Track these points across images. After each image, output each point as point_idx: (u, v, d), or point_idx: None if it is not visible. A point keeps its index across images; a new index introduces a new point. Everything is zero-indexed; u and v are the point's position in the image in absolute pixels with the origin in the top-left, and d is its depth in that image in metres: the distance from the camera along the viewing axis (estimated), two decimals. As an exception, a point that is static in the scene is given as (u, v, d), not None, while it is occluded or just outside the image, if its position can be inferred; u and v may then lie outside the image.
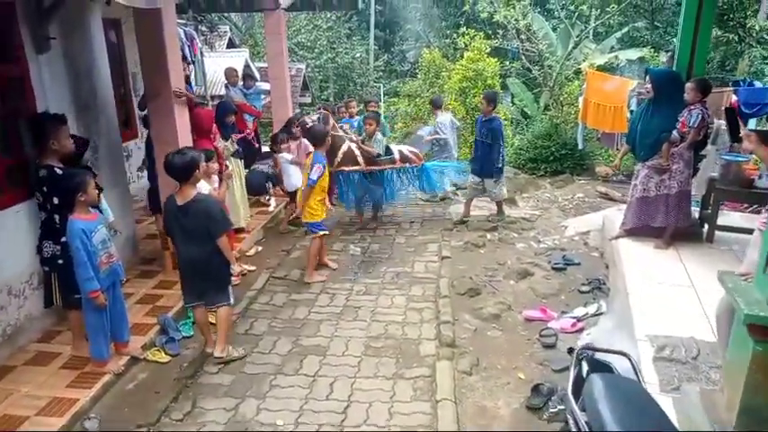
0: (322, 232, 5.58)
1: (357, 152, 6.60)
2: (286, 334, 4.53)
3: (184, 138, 5.31)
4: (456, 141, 9.08)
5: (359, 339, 4.41)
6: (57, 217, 3.88)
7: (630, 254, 5.15)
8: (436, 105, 9.32)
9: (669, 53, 6.11)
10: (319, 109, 8.05)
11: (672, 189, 5.09)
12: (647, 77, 5.03)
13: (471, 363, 3.99)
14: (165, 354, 4.34)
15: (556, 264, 5.58)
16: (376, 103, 8.61)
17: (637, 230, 5.37)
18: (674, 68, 5.43)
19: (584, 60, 12.73)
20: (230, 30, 20.13)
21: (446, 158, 8.90)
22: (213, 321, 4.38)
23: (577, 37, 12.51)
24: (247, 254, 6.28)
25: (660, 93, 4.94)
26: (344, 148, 6.56)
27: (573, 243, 6.31)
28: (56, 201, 3.87)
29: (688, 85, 4.88)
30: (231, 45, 18.93)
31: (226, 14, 19.64)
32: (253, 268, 5.87)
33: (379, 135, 6.86)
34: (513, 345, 4.26)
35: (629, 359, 2.71)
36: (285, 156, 7.09)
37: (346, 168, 6.57)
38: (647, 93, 5.01)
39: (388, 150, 6.92)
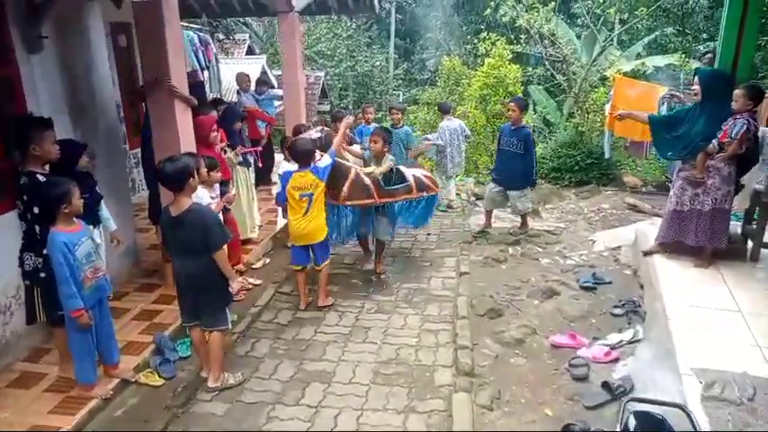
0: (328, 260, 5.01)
1: (367, 180, 5.18)
2: (289, 357, 4.16)
3: (187, 145, 5.01)
4: (462, 150, 8.46)
5: (368, 364, 4.03)
6: (37, 228, 3.58)
7: (668, 273, 4.69)
8: (443, 110, 8.81)
9: (708, 56, 5.63)
10: (319, 124, 7.43)
11: (705, 205, 4.61)
12: (695, 78, 4.56)
13: (492, 395, 3.57)
14: (159, 376, 4.01)
15: (585, 282, 5.13)
16: (400, 110, 7.70)
17: (673, 246, 4.91)
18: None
19: (609, 67, 12.26)
20: (250, 37, 20.05)
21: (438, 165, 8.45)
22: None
23: (604, 42, 12.02)
24: (254, 266, 5.94)
25: (708, 96, 4.47)
26: (352, 176, 5.12)
27: (602, 259, 5.85)
28: (36, 210, 3.57)
29: (737, 92, 4.37)
30: (250, 53, 18.82)
31: (243, 21, 19.60)
32: (258, 282, 5.53)
33: (390, 156, 5.54)
34: (538, 375, 3.83)
35: (688, 415, 2.27)
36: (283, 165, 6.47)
37: (358, 202, 5.16)
38: (695, 95, 4.54)
39: (399, 176, 5.56)
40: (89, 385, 3.70)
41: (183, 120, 4.91)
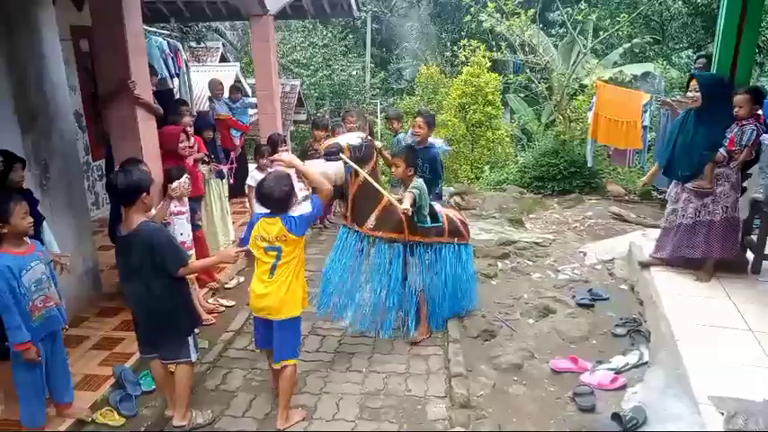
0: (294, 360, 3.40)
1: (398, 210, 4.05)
2: (265, 390, 3.76)
3: (151, 156, 4.60)
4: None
5: (352, 397, 3.65)
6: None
7: (669, 289, 4.43)
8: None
9: (701, 61, 5.42)
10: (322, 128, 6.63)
11: (716, 215, 4.38)
12: (693, 83, 4.31)
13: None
14: (119, 415, 3.56)
15: (581, 299, 4.83)
16: (397, 118, 6.81)
17: (672, 260, 4.66)
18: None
19: (586, 75, 12.20)
20: (223, 45, 19.60)
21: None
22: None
23: (585, 50, 11.93)
24: (226, 286, 5.52)
25: (709, 103, 4.22)
26: (384, 202, 4.12)
27: (596, 273, 5.57)
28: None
29: (741, 98, 4.13)
30: (224, 61, 18.35)
31: (215, 29, 19.17)
32: (231, 303, 5.11)
33: (419, 181, 4.24)
34: (541, 405, 3.50)
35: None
36: (255, 174, 5.74)
37: (383, 234, 4.15)
38: (694, 101, 4.29)
39: (433, 214, 4.38)
40: (35, 430, 3.25)
41: (146, 129, 4.52)
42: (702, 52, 6.54)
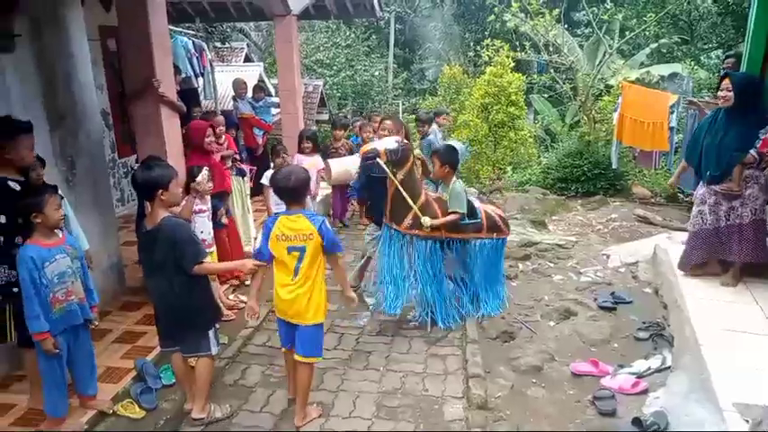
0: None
1: (438, 209, 4.35)
2: (283, 386, 3.77)
3: (174, 153, 4.68)
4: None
5: (369, 395, 3.64)
6: (1, 238, 3.25)
7: (693, 293, 4.33)
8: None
9: (729, 60, 5.29)
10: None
11: (744, 218, 4.27)
12: (725, 82, 4.19)
13: (510, 432, 3.20)
14: (140, 407, 3.62)
15: (603, 302, 4.75)
16: (426, 121, 6.75)
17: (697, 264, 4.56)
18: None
19: (612, 76, 12.02)
20: (248, 46, 19.79)
21: None
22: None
23: (611, 50, 11.76)
24: (246, 282, 5.55)
25: (741, 102, 4.11)
26: (422, 200, 4.31)
27: (619, 276, 5.48)
28: (2, 220, 3.24)
29: None
30: (248, 61, 18.54)
31: (240, 29, 19.35)
32: (252, 300, 5.14)
33: (458, 184, 4.45)
34: (560, 408, 3.45)
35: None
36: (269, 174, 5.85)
37: (420, 233, 4.28)
38: (725, 101, 4.18)
39: (470, 209, 4.52)
40: (58, 419, 3.31)
41: (170, 126, 4.58)
42: (731, 51, 6.37)
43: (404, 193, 4.18)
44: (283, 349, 3.53)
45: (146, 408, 3.61)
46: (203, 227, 4.56)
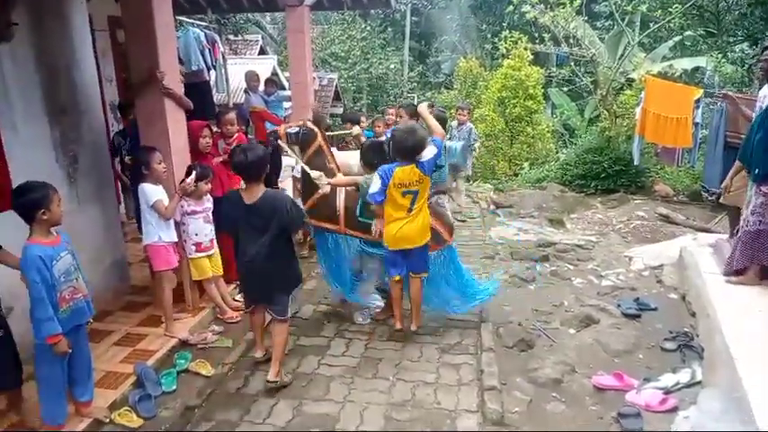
0: None
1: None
2: (286, 395, 3.59)
3: (179, 149, 4.50)
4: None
5: (378, 407, 3.44)
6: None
7: (725, 300, 4.05)
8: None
9: (768, 51, 4.95)
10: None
11: None
12: None
13: (527, 453, 2.98)
14: (138, 416, 3.46)
15: (627, 309, 4.50)
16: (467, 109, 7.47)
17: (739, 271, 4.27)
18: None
19: (633, 70, 11.65)
20: (262, 38, 19.61)
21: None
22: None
23: (634, 42, 11.39)
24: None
25: None
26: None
27: (643, 280, 5.21)
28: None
29: None
30: (263, 54, 18.36)
31: (255, 22, 19.18)
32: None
33: (379, 170, 4.24)
34: (581, 425, 3.21)
35: None
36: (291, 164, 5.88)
37: (315, 223, 4.56)
38: None
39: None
40: (57, 426, 3.16)
41: (174, 120, 4.41)
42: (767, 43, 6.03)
43: (308, 174, 4.41)
44: (395, 278, 4.15)
45: (144, 416, 3.45)
46: (198, 228, 4.39)
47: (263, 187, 3.56)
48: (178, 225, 4.38)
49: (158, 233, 4.18)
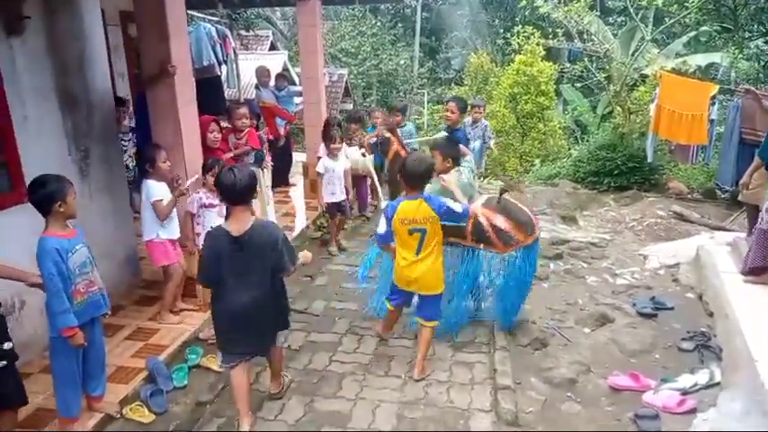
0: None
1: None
2: (298, 392, 3.57)
3: (191, 144, 4.48)
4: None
5: (390, 405, 3.41)
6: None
7: (744, 299, 3.97)
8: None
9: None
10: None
11: None
12: None
13: (542, 454, 2.93)
14: (149, 411, 3.45)
15: (643, 308, 4.43)
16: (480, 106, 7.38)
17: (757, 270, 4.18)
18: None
19: (647, 66, 11.51)
20: (273, 34, 19.61)
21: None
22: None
23: (649, 37, 11.24)
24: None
25: None
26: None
27: (658, 279, 5.13)
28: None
29: None
30: (273, 49, 18.36)
31: (266, 17, 19.17)
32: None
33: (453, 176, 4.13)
34: (598, 427, 3.16)
35: None
36: (325, 161, 5.78)
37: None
38: None
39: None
40: (71, 420, 3.16)
41: (187, 114, 4.38)
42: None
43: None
44: (391, 308, 3.97)
45: (156, 411, 3.45)
46: (212, 222, 4.35)
47: (251, 216, 3.13)
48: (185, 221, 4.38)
49: (157, 230, 4.18)
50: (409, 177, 3.59)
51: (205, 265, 3.08)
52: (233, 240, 2.98)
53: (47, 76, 3.99)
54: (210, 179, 4.29)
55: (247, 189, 3.04)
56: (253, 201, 5.28)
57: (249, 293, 3.04)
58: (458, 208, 3.62)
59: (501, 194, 4.12)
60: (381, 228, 3.72)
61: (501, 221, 3.87)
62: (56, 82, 4.06)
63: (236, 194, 3.01)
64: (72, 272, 2.96)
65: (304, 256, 3.40)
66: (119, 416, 3.38)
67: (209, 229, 3.22)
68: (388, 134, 6.18)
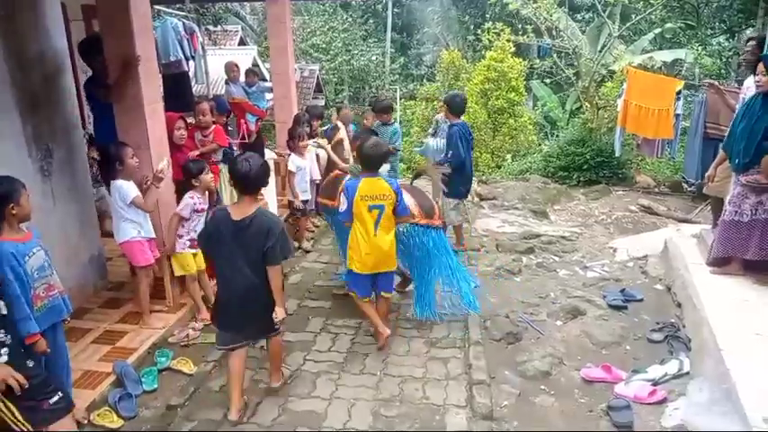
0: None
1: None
2: (271, 393, 3.51)
3: (157, 142, 4.37)
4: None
5: (365, 403, 3.39)
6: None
7: (711, 290, 4.06)
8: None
9: (751, 43, 4.96)
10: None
11: None
12: (761, 66, 3.86)
13: (517, 447, 2.95)
14: (118, 416, 3.36)
15: (613, 300, 4.50)
16: None
17: (717, 261, 4.29)
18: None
19: (614, 62, 11.71)
20: (242, 29, 19.31)
21: None
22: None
23: (617, 34, 11.43)
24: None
25: None
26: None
27: (628, 271, 5.23)
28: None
29: None
30: (243, 45, 18.08)
31: (236, 13, 18.88)
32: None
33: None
34: (571, 419, 3.20)
35: None
36: (294, 159, 5.85)
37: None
38: (760, 86, 3.86)
39: None
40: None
41: (152, 112, 4.26)
42: (753, 34, 6.03)
43: None
44: (365, 300, 3.97)
45: (124, 416, 3.36)
46: (198, 226, 4.26)
47: (256, 205, 3.20)
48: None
49: (137, 229, 4.08)
50: (366, 160, 3.85)
51: (201, 234, 3.40)
52: (233, 224, 3.09)
53: (4, 77, 3.83)
54: (207, 178, 4.21)
55: (259, 179, 3.16)
56: (223, 198, 5.29)
57: (242, 277, 3.11)
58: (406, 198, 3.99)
59: (415, 177, 4.89)
60: (343, 206, 3.88)
61: (407, 198, 4.13)
62: (14, 82, 3.91)
63: (249, 183, 3.13)
64: (30, 276, 2.85)
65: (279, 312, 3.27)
66: (86, 422, 3.28)
67: (215, 213, 3.35)
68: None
